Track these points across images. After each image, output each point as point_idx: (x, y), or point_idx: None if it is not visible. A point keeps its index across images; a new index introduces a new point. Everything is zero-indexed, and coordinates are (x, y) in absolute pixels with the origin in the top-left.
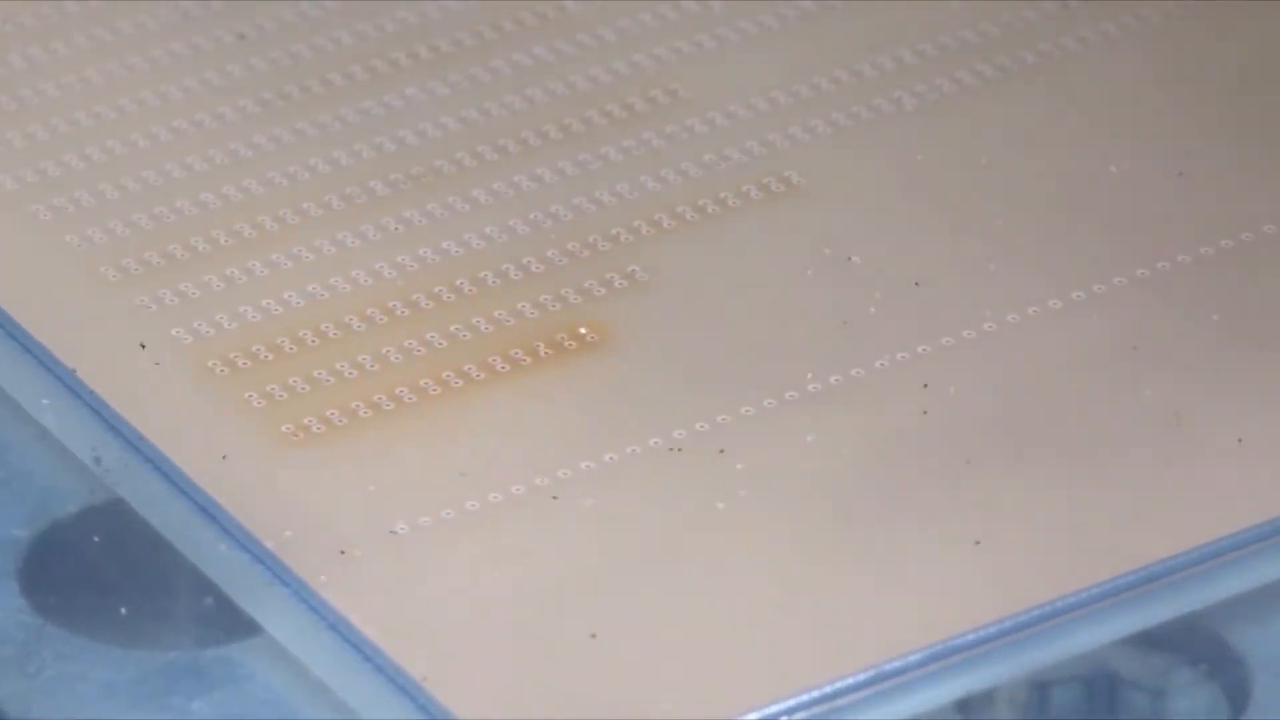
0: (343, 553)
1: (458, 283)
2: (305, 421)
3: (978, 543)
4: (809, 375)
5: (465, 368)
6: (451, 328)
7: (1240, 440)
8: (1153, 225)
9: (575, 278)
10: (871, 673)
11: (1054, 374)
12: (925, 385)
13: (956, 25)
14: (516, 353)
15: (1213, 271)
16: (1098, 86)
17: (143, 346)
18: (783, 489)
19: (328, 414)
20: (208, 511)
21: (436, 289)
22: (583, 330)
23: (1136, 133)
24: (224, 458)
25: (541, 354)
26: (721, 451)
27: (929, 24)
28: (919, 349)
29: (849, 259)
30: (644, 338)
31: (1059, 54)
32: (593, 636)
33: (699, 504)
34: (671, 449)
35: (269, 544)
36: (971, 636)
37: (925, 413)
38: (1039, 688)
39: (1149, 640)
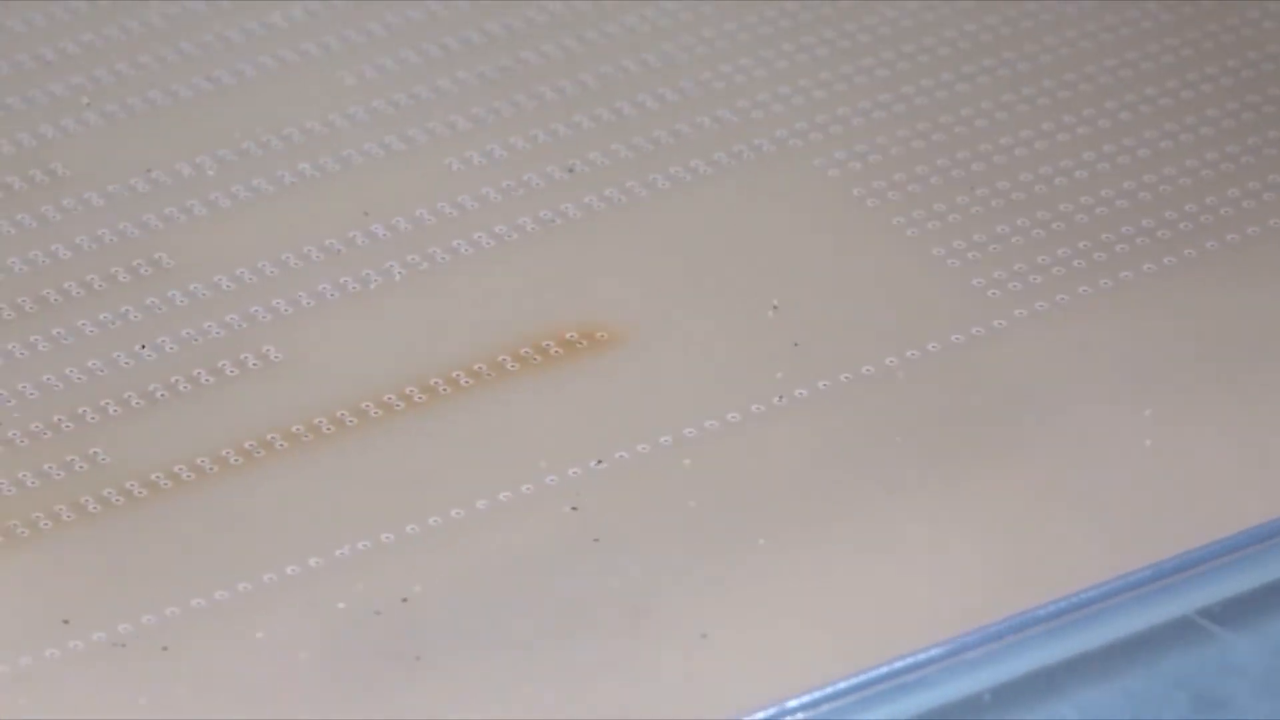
0: None
1: None
2: None
3: None
4: None
5: None
6: None
7: (704, 635)
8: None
9: (33, 460)
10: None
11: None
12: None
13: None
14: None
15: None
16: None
17: None
18: None
19: None
20: None
21: None
22: (61, 508)
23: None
24: None
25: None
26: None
27: (426, 194)
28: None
29: (330, 430)
30: (91, 525)
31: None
32: None
33: (152, 704)
34: (115, 644)
35: None
36: None
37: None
38: None
39: None
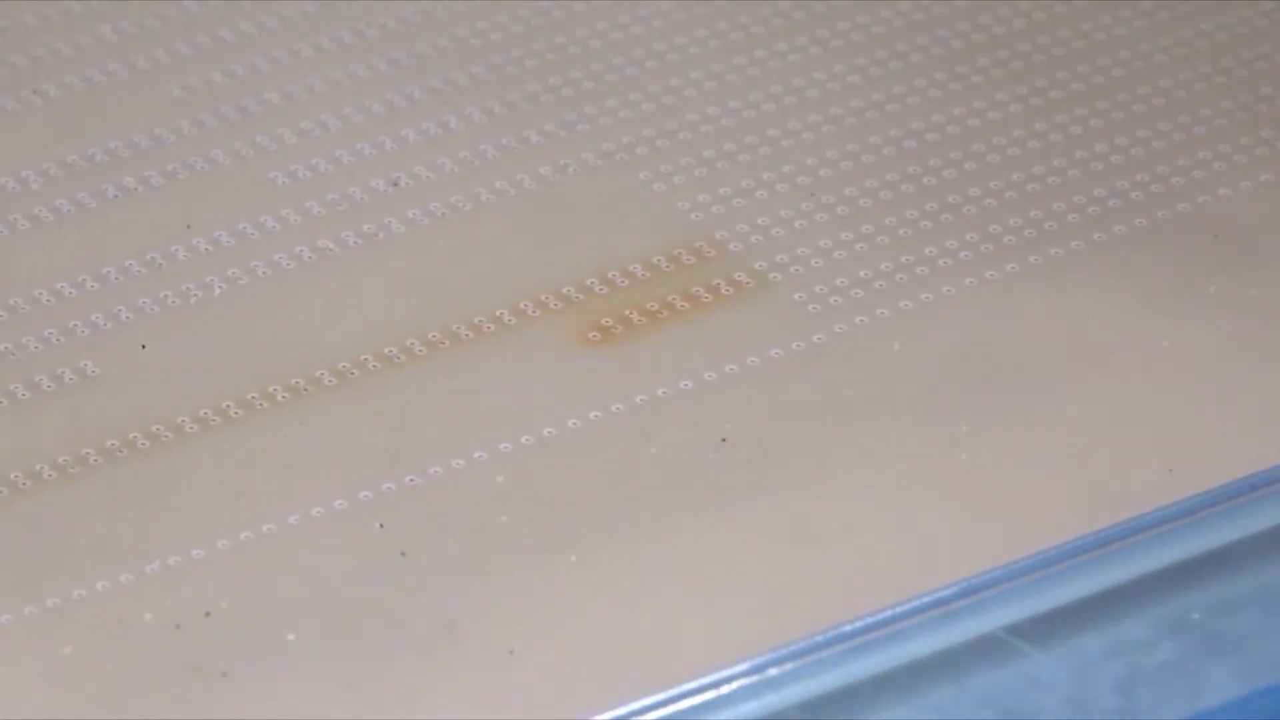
0: None
1: None
2: None
3: None
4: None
5: None
6: None
7: (511, 651)
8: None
9: None
10: None
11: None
12: None
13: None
14: None
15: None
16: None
17: None
18: None
19: None
20: None
21: None
22: None
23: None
24: None
25: None
26: None
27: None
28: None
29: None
30: None
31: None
32: None
33: None
34: None
35: None
36: None
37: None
38: None
39: None
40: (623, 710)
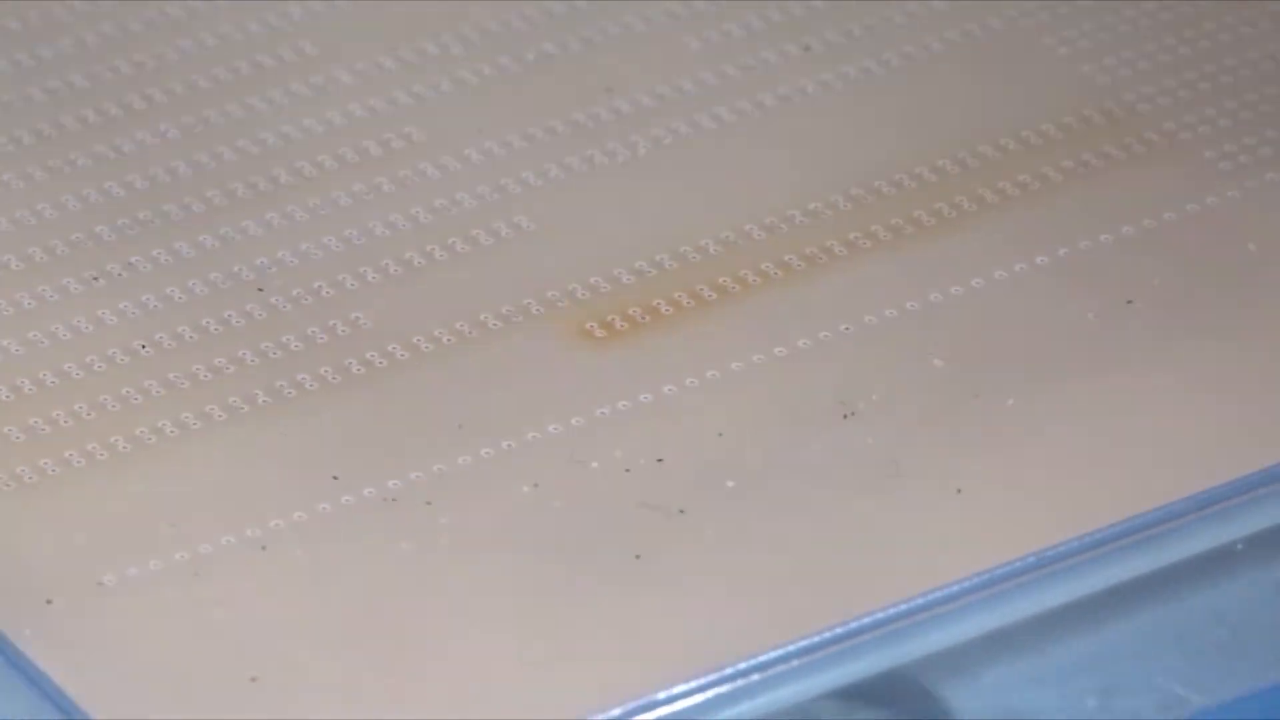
0: (49, 602)
1: (179, 329)
2: (18, 470)
3: (693, 595)
4: (535, 420)
5: (182, 416)
6: (171, 375)
7: (959, 490)
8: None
9: (298, 324)
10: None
11: (767, 422)
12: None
13: (697, 68)
14: (235, 401)
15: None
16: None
17: None
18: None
19: (41, 463)
20: None
21: (158, 336)
22: (304, 378)
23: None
24: None
25: (260, 402)
26: (429, 503)
27: (665, 68)
28: (639, 398)
29: (577, 298)
30: (365, 386)
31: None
32: (293, 688)
33: (415, 554)
34: (385, 499)
35: None
36: (677, 690)
37: (660, 460)
38: None
39: (855, 694)
40: None
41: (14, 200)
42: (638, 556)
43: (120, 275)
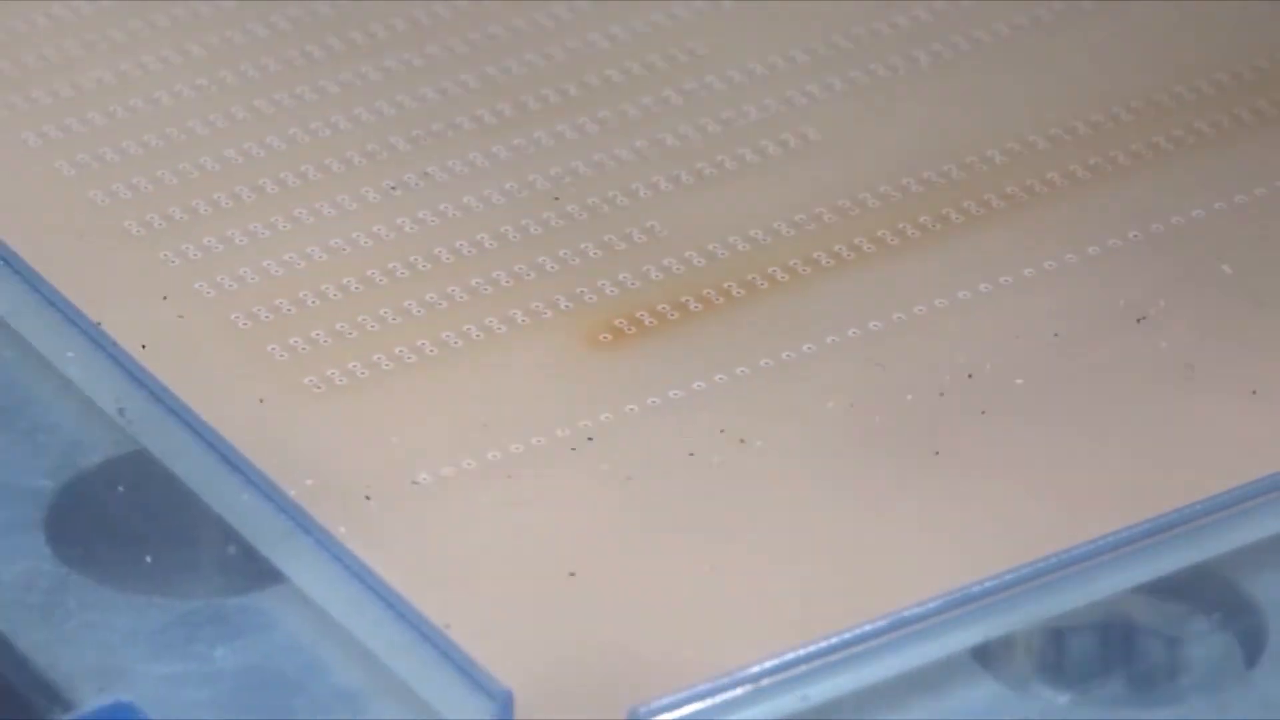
0: (368, 498)
1: (479, 238)
2: (328, 374)
3: (995, 493)
4: (813, 335)
5: (488, 322)
6: (474, 283)
7: (1255, 392)
8: (1159, 181)
9: (594, 232)
10: (889, 620)
11: (1065, 330)
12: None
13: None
14: (539, 306)
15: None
16: (1114, 42)
17: (165, 299)
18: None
19: (350, 366)
20: (230, 461)
21: (458, 244)
22: (603, 282)
23: (1140, 89)
24: (260, 401)
25: (562, 307)
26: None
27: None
28: (935, 303)
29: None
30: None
31: (1072, 11)
32: (608, 586)
33: (712, 461)
34: (694, 407)
35: (292, 493)
36: (989, 584)
37: (936, 368)
38: (1055, 635)
39: (1164, 588)
40: None
41: (309, 113)
42: (936, 453)
43: (417, 185)
